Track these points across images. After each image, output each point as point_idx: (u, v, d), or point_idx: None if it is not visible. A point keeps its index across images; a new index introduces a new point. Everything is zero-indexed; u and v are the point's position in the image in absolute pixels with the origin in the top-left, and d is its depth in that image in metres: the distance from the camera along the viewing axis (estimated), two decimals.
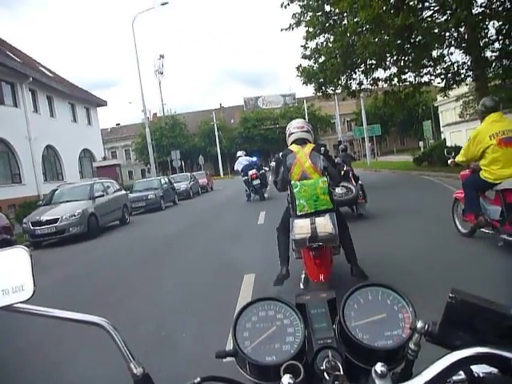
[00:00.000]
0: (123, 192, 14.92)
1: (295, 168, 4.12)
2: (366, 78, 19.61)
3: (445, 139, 38.85)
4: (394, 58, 17.02)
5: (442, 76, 18.93)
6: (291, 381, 0.59)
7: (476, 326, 0.59)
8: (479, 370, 0.63)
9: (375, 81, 19.88)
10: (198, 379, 0.66)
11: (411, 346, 0.62)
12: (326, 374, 0.61)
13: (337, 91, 20.92)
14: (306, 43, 17.17)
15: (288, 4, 16.55)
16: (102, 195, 12.68)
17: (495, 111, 5.04)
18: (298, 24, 17.11)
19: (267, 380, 0.64)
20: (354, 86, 19.89)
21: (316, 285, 3.72)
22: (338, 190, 7.28)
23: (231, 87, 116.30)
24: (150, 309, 4.70)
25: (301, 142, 4.30)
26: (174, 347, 3.47)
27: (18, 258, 0.70)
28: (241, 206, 14.70)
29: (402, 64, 17.84)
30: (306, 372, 0.62)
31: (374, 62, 17.24)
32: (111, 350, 0.70)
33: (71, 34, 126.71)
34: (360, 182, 8.56)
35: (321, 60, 17.24)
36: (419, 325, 0.61)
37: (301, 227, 3.67)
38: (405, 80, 19.36)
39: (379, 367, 0.58)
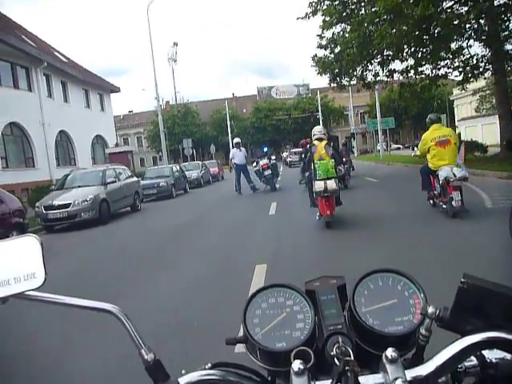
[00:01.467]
0: (135, 179, 14.91)
1: (316, 154, 7.33)
2: (382, 70, 19.39)
3: (460, 133, 38.35)
4: (412, 49, 16.75)
5: (460, 69, 18.59)
6: (301, 366, 0.59)
7: (487, 311, 0.59)
8: (491, 355, 0.63)
9: (391, 72, 19.64)
10: (209, 365, 0.66)
11: (422, 331, 0.63)
12: (336, 360, 0.61)
13: (352, 82, 20.69)
14: (323, 32, 16.97)
15: None
16: (114, 181, 12.66)
17: (437, 123, 7.34)
18: (314, 13, 16.90)
19: (278, 366, 0.65)
20: (370, 78, 19.67)
21: (325, 217, 7.03)
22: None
23: (244, 77, 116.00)
24: (160, 297, 4.68)
25: (319, 139, 7.50)
26: (185, 334, 3.49)
27: (30, 246, 0.70)
28: (252, 197, 14.64)
29: (419, 56, 17.56)
30: (316, 358, 0.62)
31: (390, 53, 17.00)
32: (122, 336, 0.70)
33: (86, 21, 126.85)
34: (350, 165, 14.22)
35: (337, 50, 17.03)
36: (430, 310, 0.62)
37: (319, 185, 6.96)
38: (421, 72, 19.09)
39: (390, 352, 0.58)
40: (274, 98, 59.31)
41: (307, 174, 8.59)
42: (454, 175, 6.63)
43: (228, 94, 67.54)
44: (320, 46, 17.02)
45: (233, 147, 15.72)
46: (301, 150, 15.83)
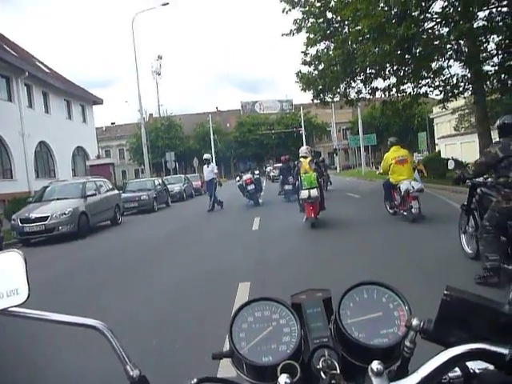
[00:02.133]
0: (116, 192, 14.65)
1: (301, 168, 8.98)
2: (365, 87, 19.60)
3: (439, 151, 39.06)
4: (394, 68, 17.02)
5: (441, 88, 18.96)
6: (288, 380, 0.58)
7: (471, 323, 0.59)
8: (475, 366, 0.63)
9: (374, 90, 19.88)
10: (195, 380, 0.66)
11: (407, 343, 0.63)
12: (322, 373, 0.61)
13: (335, 99, 20.90)
14: (307, 49, 17.12)
15: (290, 10, 16.49)
16: (94, 194, 12.39)
17: (396, 145, 8.78)
18: (299, 30, 17.07)
19: (264, 380, 0.64)
20: (353, 95, 19.87)
21: (310, 219, 8.60)
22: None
23: (228, 91, 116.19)
24: (141, 311, 4.56)
25: (304, 157, 9.18)
26: (169, 350, 3.44)
27: (13, 261, 0.69)
28: (234, 211, 14.52)
29: (401, 74, 17.85)
30: (302, 371, 0.62)
31: (373, 71, 17.23)
32: (106, 352, 0.69)
33: (70, 31, 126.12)
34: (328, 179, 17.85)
35: (321, 67, 17.19)
36: (414, 322, 0.62)
37: (304, 193, 8.50)
38: (403, 90, 19.38)
39: (375, 365, 0.58)
40: (258, 112, 59.73)
41: (285, 186, 13.58)
42: (413, 187, 8.00)
43: (212, 107, 67.59)
44: (304, 63, 17.15)
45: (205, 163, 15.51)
46: (285, 165, 16.30)
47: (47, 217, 10.73)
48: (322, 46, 17.04)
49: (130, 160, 58.77)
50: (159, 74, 61.93)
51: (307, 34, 16.88)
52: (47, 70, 27.18)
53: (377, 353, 0.63)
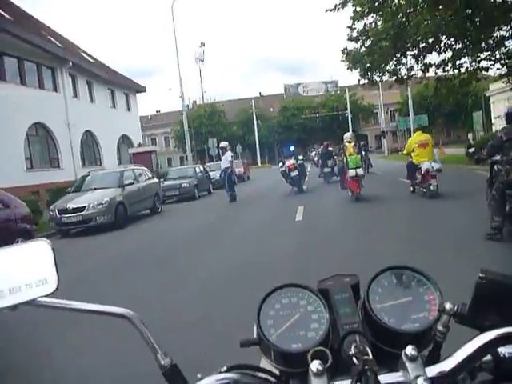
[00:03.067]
0: (155, 180, 14.23)
1: (347, 151, 10.39)
2: (417, 63, 18.13)
3: (497, 131, 36.39)
4: (451, 39, 15.45)
5: (502, 61, 17.15)
6: (320, 367, 0.57)
7: (506, 306, 0.58)
8: (505, 350, 0.61)
9: (426, 66, 18.34)
10: (225, 368, 0.66)
11: (439, 327, 0.61)
12: (354, 359, 0.59)
13: (383, 78, 19.48)
14: (353, 24, 15.85)
15: None
16: (132, 183, 11.98)
17: (419, 130, 10.42)
18: (344, 4, 15.80)
19: (294, 367, 0.63)
20: (403, 72, 18.44)
21: (356, 194, 10.18)
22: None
23: (271, 75, 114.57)
24: (174, 301, 4.49)
25: (349, 141, 10.52)
26: (200, 338, 3.40)
27: (41, 251, 0.69)
28: (277, 198, 13.76)
29: (458, 47, 16.23)
30: (333, 358, 0.60)
31: (427, 44, 15.73)
32: (138, 341, 0.69)
33: (116, 22, 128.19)
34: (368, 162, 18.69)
35: (368, 42, 15.87)
36: (448, 306, 0.61)
37: (352, 172, 9.98)
38: (460, 65, 17.73)
39: (410, 350, 0.57)
40: (302, 95, 57.34)
41: (325, 169, 16.54)
42: (433, 167, 9.08)
43: (255, 92, 66.74)
44: (350, 39, 15.87)
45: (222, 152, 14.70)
46: (330, 149, 17.70)
47: (84, 207, 10.42)
48: (369, 19, 15.71)
49: (175, 147, 59.18)
50: (202, 61, 61.98)
51: (353, 8, 15.59)
52: (91, 60, 27.30)
53: (407, 338, 0.61)
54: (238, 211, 12.07)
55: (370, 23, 15.32)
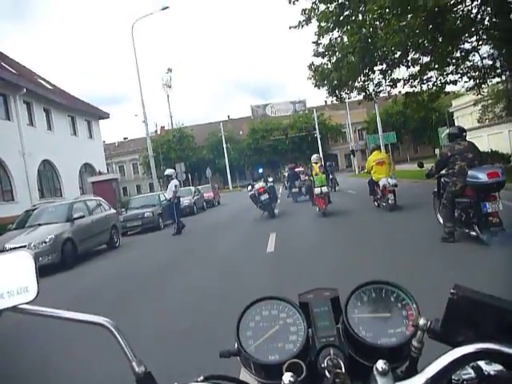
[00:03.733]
0: (112, 211, 12.81)
1: (313, 171, 11.16)
2: (385, 79, 17.59)
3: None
4: (419, 52, 14.93)
5: (469, 74, 16.83)
6: (292, 379, 0.58)
7: (478, 322, 0.58)
8: (488, 367, 0.61)
9: (394, 82, 17.84)
10: (202, 377, 0.66)
11: (414, 343, 0.61)
12: (327, 372, 0.60)
13: (352, 95, 18.86)
14: (319, 39, 15.11)
15: None
16: (83, 216, 10.56)
17: (377, 150, 11.20)
18: (308, 20, 15.10)
19: (271, 379, 0.63)
20: (372, 88, 17.86)
21: (322, 210, 11.09)
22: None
23: (239, 99, 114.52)
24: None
25: (316, 162, 11.37)
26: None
27: (23, 260, 0.71)
28: (247, 225, 12.61)
29: (425, 61, 15.76)
30: (309, 370, 0.61)
31: (394, 58, 15.17)
32: (113, 349, 0.69)
33: (83, 51, 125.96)
34: (335, 181, 18.99)
35: (335, 58, 15.14)
36: (421, 322, 0.61)
37: (317, 190, 10.98)
38: (428, 79, 17.33)
39: (381, 364, 0.57)
40: (270, 116, 56.70)
41: (293, 190, 17.38)
42: (389, 183, 9.70)
43: (224, 116, 65.83)
44: (317, 54, 15.09)
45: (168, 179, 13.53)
46: (296, 170, 19.09)
47: (24, 247, 8.94)
48: (335, 34, 14.99)
49: (144, 174, 57.43)
50: (170, 87, 61.27)
51: (318, 23, 14.90)
52: (49, 86, 25.86)
53: (383, 352, 0.62)
54: (205, 241, 10.82)
55: (336, 38, 14.62)
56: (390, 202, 9.70)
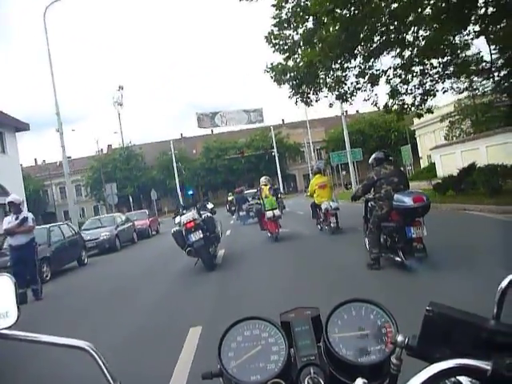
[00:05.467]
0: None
1: (263, 193, 10.19)
2: (363, 73, 13.28)
3: (434, 163, 33.07)
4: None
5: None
6: None
7: (454, 339, 0.57)
8: (468, 382, 0.60)
9: (375, 77, 13.58)
10: None
11: (393, 360, 0.60)
12: None
13: (321, 95, 14.32)
14: (278, 9, 10.47)
15: None
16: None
17: (319, 173, 10.69)
18: None
19: None
20: (348, 85, 13.51)
21: (274, 234, 9.88)
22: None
23: (194, 120, 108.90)
24: None
25: (265, 184, 10.42)
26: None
27: (2, 285, 0.69)
28: (178, 275, 7.60)
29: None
30: None
31: (386, 38, 10.84)
32: (94, 372, 0.69)
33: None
34: (282, 204, 15.48)
35: (305, 28, 10.49)
36: (399, 339, 0.59)
37: (269, 213, 9.75)
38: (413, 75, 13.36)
39: (359, 382, 0.57)
40: (219, 126, 49.79)
41: (240, 213, 17.18)
42: (331, 206, 9.50)
43: (177, 135, 60.16)
44: (278, 24, 10.27)
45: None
46: (239, 195, 18.21)
47: None
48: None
49: (86, 196, 50.86)
50: (121, 105, 55.62)
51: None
52: None
53: (364, 370, 0.61)
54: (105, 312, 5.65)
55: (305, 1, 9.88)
56: (332, 225, 9.49)
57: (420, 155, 43.24)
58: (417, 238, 5.13)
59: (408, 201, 5.10)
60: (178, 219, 7.74)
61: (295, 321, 0.70)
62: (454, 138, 32.73)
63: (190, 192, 8.94)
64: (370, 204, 5.97)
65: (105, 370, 0.67)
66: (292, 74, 13.03)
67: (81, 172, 52.28)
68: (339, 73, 12.46)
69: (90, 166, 48.23)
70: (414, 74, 13.65)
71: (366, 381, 0.57)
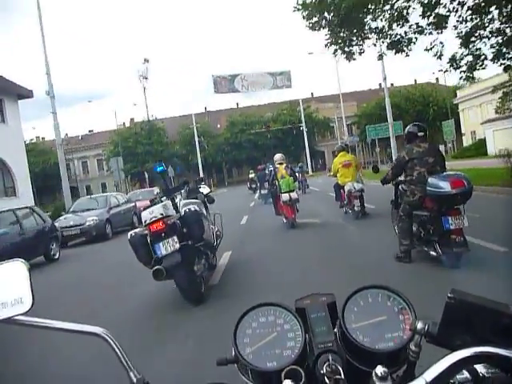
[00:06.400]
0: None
1: (278, 174, 8.91)
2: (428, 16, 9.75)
3: (484, 139, 28.83)
4: None
5: None
6: None
7: (476, 326, 0.56)
8: (484, 370, 0.59)
9: (442, 18, 10.02)
10: None
11: (412, 347, 0.59)
12: (326, 378, 0.59)
13: (368, 42, 10.83)
14: None
15: None
16: None
17: (343, 151, 9.48)
18: None
19: None
20: (405, 30, 10.00)
21: (290, 219, 8.70)
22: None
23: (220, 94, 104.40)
24: None
25: (280, 163, 9.06)
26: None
27: (17, 271, 0.68)
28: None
29: None
30: (307, 377, 0.60)
31: None
32: (111, 359, 0.67)
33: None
34: (305, 183, 19.02)
35: None
36: (419, 326, 0.58)
37: (285, 196, 8.53)
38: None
39: (380, 369, 0.56)
40: (239, 91, 43.62)
41: (262, 191, 16.49)
42: (355, 188, 8.62)
43: (201, 109, 56.76)
44: None
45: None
46: (260, 173, 18.05)
47: None
48: None
49: (107, 171, 48.79)
50: (146, 78, 52.72)
51: None
52: None
53: (381, 357, 0.60)
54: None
55: None
56: (356, 209, 8.68)
57: (463, 131, 38.68)
58: (455, 230, 4.26)
59: (445, 186, 4.27)
60: (145, 214, 4.56)
61: (311, 307, 0.68)
62: (509, 112, 28.30)
63: (160, 168, 5.17)
64: (400, 187, 5.14)
65: (121, 357, 0.64)
66: (331, 13, 9.61)
67: (103, 146, 50.17)
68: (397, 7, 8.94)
69: (111, 140, 45.88)
70: (491, 17, 10.03)
71: (386, 369, 0.55)
